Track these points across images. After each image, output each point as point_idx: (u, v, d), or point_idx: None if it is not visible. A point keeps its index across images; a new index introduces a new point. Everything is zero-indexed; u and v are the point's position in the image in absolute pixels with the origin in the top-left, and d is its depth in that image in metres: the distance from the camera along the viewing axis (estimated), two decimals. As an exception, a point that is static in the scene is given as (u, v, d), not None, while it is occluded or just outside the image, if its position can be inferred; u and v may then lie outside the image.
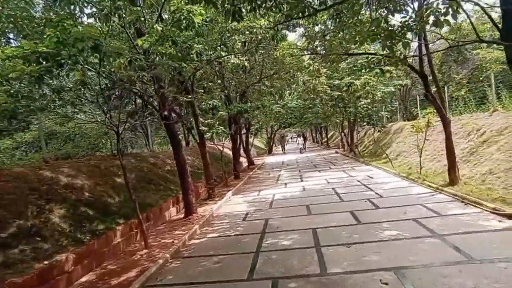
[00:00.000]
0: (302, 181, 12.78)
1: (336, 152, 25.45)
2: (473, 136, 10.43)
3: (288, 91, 21.03)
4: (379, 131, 17.92)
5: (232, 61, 9.49)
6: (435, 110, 10.24)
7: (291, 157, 26.07)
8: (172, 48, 6.35)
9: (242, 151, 21.26)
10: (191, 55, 6.70)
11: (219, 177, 14.59)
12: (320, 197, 9.25)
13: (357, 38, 5.98)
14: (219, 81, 13.19)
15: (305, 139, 34.28)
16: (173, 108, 8.71)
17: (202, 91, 11.50)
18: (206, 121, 10.49)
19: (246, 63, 10.80)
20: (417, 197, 7.94)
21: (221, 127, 10.38)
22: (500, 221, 5.51)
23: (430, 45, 26.16)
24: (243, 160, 21.78)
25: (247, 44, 9.59)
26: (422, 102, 18.45)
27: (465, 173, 8.96)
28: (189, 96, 9.20)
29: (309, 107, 19.71)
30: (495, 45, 22.06)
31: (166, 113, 8.34)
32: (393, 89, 15.34)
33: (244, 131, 22.87)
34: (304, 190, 10.70)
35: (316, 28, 11.22)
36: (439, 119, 11.27)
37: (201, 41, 7.06)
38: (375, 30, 5.28)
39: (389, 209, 7.12)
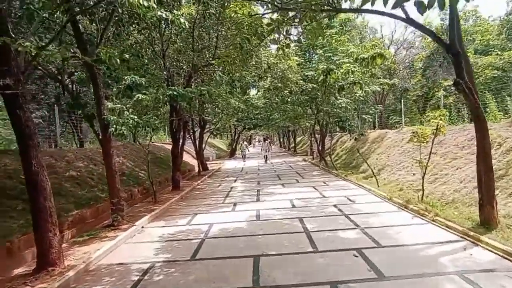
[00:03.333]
0: (258, 200, 9.28)
1: (304, 160, 22.36)
2: (496, 152, 7.49)
3: (254, 87, 17.50)
4: (355, 138, 14.98)
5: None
6: (440, 115, 7.21)
7: (253, 163, 22.59)
8: None
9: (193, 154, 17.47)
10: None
11: (147, 189, 10.77)
12: (281, 237, 5.77)
13: None
14: (152, 50, 9.46)
15: (269, 144, 25.85)
16: (25, 69, 4.81)
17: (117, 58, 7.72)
18: (112, 106, 6.69)
19: (186, 24, 7.18)
20: (439, 252, 4.69)
21: (133, 117, 6.60)
22: None
23: (409, 50, 23.68)
24: (195, 164, 17.97)
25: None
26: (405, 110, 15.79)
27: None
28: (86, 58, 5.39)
29: (276, 103, 16.37)
30: (492, 49, 20.31)
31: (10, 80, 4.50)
32: (378, 89, 12.34)
33: (197, 129, 19.10)
34: (258, 219, 7.18)
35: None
36: (449, 126, 8.28)
37: None
38: None
39: (402, 283, 3.78)
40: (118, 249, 5.70)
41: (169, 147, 21.12)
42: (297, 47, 16.43)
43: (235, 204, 8.83)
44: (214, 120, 20.79)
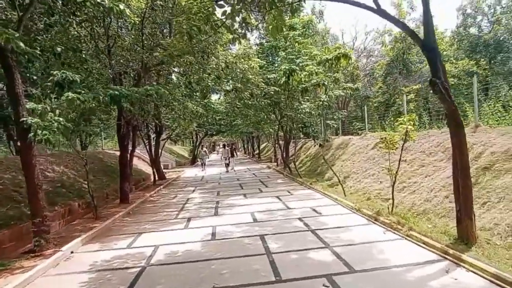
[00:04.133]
0: (216, 214, 8.28)
1: (269, 167, 21.67)
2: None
3: (215, 92, 16.44)
4: (320, 145, 14.52)
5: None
6: (410, 119, 6.76)
7: (215, 171, 21.47)
8: None
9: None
10: None
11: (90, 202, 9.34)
12: (239, 262, 4.84)
13: None
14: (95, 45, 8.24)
15: (232, 151, 22.38)
16: None
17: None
18: (32, 106, 5.40)
19: (127, 11, 6.12)
20: (420, 277, 4.03)
21: (58, 120, 5.35)
22: None
23: (369, 58, 24.05)
24: (150, 172, 16.52)
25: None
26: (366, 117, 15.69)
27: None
28: None
29: (237, 107, 15.48)
30: (447, 59, 21.01)
31: None
32: (342, 93, 11.93)
33: (153, 135, 17.69)
34: (214, 238, 6.19)
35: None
36: (420, 132, 7.92)
37: None
38: None
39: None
40: (30, 285, 4.44)
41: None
42: (259, 49, 15.83)
43: (189, 220, 7.76)
44: (172, 125, 19.50)
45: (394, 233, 5.83)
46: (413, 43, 19.71)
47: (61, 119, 5.55)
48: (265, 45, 15.65)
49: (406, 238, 5.49)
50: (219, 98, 23.54)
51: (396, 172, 7.03)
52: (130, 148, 11.44)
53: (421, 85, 15.94)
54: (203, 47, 9.07)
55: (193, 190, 12.92)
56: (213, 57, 9.18)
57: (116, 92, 6.99)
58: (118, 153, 19.23)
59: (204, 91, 14.05)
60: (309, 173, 14.89)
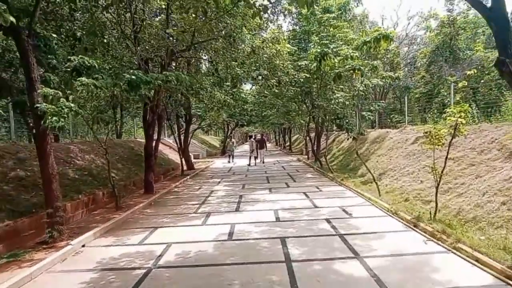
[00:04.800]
0: (237, 210, 7.79)
1: (299, 160, 20.90)
2: (528, 158, 6.05)
3: (247, 81, 15.79)
4: (354, 138, 13.52)
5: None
6: (461, 110, 5.74)
7: (244, 162, 21.00)
8: None
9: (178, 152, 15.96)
10: None
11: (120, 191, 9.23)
12: (253, 271, 4.29)
13: None
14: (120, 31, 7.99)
15: (262, 142, 20.51)
16: None
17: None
18: (45, 91, 5.15)
19: None
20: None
21: (69, 106, 5.05)
22: None
23: (410, 47, 22.11)
24: (179, 162, 16.39)
25: None
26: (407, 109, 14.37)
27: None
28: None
29: (265, 96, 14.77)
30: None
31: None
32: (380, 82, 10.86)
33: (183, 124, 17.59)
34: (230, 238, 5.69)
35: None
36: (468, 126, 6.86)
37: None
38: None
39: None
40: (30, 283, 4.20)
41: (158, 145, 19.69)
42: (290, 35, 14.95)
43: (208, 215, 7.34)
44: (203, 115, 19.26)
45: (438, 244, 4.98)
46: (462, 27, 17.78)
47: (72, 104, 5.25)
48: (297, 31, 14.76)
49: (452, 252, 4.63)
50: (251, 88, 23.00)
51: (442, 172, 6.08)
52: (155, 137, 11.23)
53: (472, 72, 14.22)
54: (228, 31, 8.49)
55: (219, 182, 12.57)
56: (239, 42, 8.57)
57: (133, 77, 6.62)
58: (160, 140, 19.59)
59: (235, 80, 13.55)
60: (341, 168, 13.99)
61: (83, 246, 5.49)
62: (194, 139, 32.85)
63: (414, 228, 5.76)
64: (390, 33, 6.68)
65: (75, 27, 7.63)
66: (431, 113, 15.22)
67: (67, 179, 8.72)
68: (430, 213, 6.07)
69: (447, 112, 5.92)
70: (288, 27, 17.44)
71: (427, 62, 18.56)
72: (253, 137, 21.36)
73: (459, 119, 5.78)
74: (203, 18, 8.30)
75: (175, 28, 9.88)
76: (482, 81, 14.04)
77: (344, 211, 7.23)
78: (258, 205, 8.17)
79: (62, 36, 7.99)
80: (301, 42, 13.14)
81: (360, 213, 7.00)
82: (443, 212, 6.41)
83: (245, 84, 18.71)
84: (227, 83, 14.61)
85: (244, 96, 17.36)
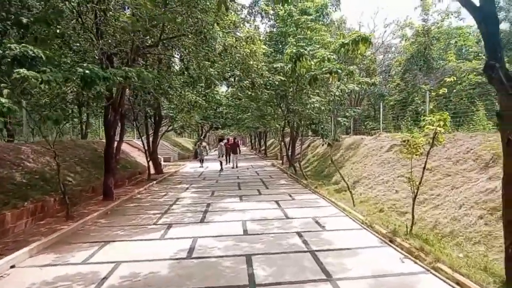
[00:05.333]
0: (202, 221, 7.13)
1: (273, 165, 20.46)
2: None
3: (219, 81, 15.12)
4: (328, 144, 13.24)
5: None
6: (440, 119, 5.44)
7: (217, 166, 20.25)
8: None
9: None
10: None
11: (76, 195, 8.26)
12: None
13: None
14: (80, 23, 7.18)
15: (233, 147, 19.21)
16: None
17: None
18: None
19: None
20: None
21: (9, 105, 4.23)
22: None
23: (385, 55, 22.33)
24: (149, 165, 15.42)
25: None
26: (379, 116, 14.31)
27: None
28: None
29: (239, 99, 14.22)
30: (474, 56, 19.35)
31: None
32: (357, 88, 10.60)
33: (151, 125, 16.66)
34: (190, 255, 5.03)
35: None
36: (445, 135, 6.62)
37: None
38: None
39: None
40: None
41: (125, 146, 18.51)
42: (267, 36, 14.51)
43: (169, 227, 6.63)
44: (175, 116, 18.37)
45: (416, 262, 4.59)
46: (436, 37, 18.09)
47: (3, 100, 4.44)
48: (274, 32, 14.34)
49: (431, 272, 4.24)
50: (226, 90, 22.35)
51: (420, 183, 5.75)
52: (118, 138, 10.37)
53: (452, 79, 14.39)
54: (199, 27, 7.87)
55: (187, 188, 11.82)
56: (211, 40, 7.96)
57: (87, 72, 5.85)
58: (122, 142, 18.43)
59: (209, 81, 12.88)
60: (315, 175, 13.65)
61: (12, 267, 4.65)
62: (166, 141, 31.68)
63: (390, 244, 5.36)
64: (369, 35, 6.34)
65: (23, 14, 6.72)
66: (405, 120, 15.26)
67: (12, 183, 7.74)
68: (407, 226, 5.72)
69: (426, 120, 5.60)
70: (266, 29, 17.03)
71: (402, 70, 18.76)
72: (225, 140, 20.25)
73: (438, 128, 5.48)
74: (163, 10, 7.65)
75: (139, 20, 9.16)
76: (454, 90, 14.21)
77: (317, 223, 6.77)
78: (226, 215, 7.55)
79: (8, 23, 7.07)
80: (277, 44, 12.73)
81: (334, 225, 6.55)
82: (419, 225, 6.09)
83: (220, 85, 18.09)
84: (201, 84, 13.94)
85: (218, 98, 16.72)
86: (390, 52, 28.78)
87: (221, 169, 17.60)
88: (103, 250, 5.34)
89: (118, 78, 6.35)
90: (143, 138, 15.16)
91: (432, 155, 8.01)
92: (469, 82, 13.60)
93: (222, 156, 17.93)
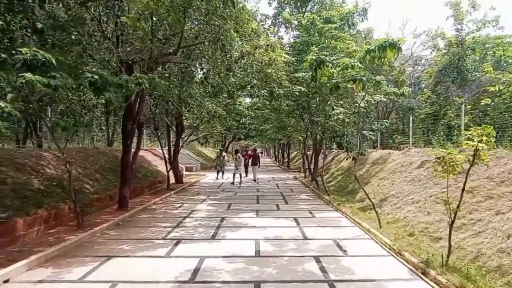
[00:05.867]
0: (214, 238, 6.66)
1: (295, 178, 19.78)
2: None
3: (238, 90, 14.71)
4: (353, 158, 12.49)
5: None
6: (483, 134, 4.72)
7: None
8: None
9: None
10: None
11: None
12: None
13: None
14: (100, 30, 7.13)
15: (254, 159, 18.23)
16: None
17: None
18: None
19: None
20: None
21: (9, 109, 4.08)
22: None
23: (415, 67, 21.27)
24: (169, 175, 15.24)
25: None
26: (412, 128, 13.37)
27: None
28: None
29: (257, 109, 13.79)
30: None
31: None
32: (384, 99, 9.90)
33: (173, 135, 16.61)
34: (192, 279, 4.53)
35: None
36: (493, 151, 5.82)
37: None
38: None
39: None
40: None
41: (148, 154, 18.58)
42: (290, 47, 14.13)
43: (178, 243, 6.22)
44: (199, 126, 18.25)
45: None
46: (471, 47, 16.96)
47: (3, 104, 4.27)
48: (298, 42, 13.93)
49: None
50: (250, 101, 22.09)
51: (458, 207, 5.00)
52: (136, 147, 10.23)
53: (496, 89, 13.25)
54: (216, 34, 7.59)
55: (204, 200, 11.45)
56: (228, 47, 7.66)
57: (96, 77, 5.65)
58: (139, 152, 18.53)
59: (230, 91, 12.62)
60: (339, 190, 12.89)
61: (6, 281, 4.37)
62: (190, 150, 31.82)
63: (423, 277, 4.63)
64: (398, 41, 5.74)
65: (38, 19, 6.71)
66: (437, 135, 14.22)
67: (30, 190, 7.67)
68: (442, 257, 4.96)
69: (465, 134, 4.89)
70: (290, 39, 16.68)
71: (433, 82, 17.69)
72: (239, 151, 18.59)
73: (480, 144, 4.75)
74: (184, 19, 7.44)
75: (161, 30, 9.06)
76: (493, 103, 13.07)
77: (338, 246, 6.12)
78: (239, 232, 7.05)
79: (28, 30, 7.11)
80: (300, 54, 12.32)
81: (357, 250, 5.87)
82: (456, 254, 5.30)
83: (243, 96, 17.80)
84: (224, 95, 13.70)
85: (241, 109, 16.42)
86: (419, 65, 27.56)
87: (233, 182, 16.46)
88: (103, 266, 4.99)
89: (130, 84, 6.13)
90: (162, 147, 15.06)
91: (470, 173, 7.17)
92: (510, 94, 12.43)
93: (237, 169, 16.68)
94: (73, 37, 6.96)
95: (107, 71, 6.10)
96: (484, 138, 4.69)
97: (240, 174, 16.60)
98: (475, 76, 16.67)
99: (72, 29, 7.19)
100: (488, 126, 4.63)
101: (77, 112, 8.99)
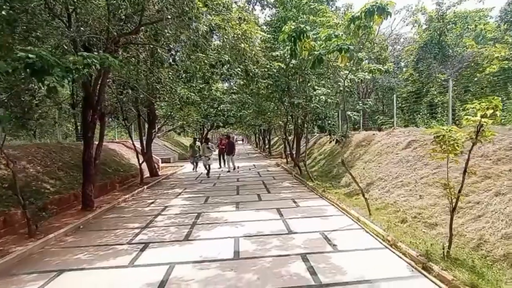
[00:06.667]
0: (187, 239, 5.88)
1: (277, 165, 19.16)
2: None
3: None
4: (337, 141, 11.91)
5: None
6: (488, 107, 4.12)
7: (217, 166, 18.94)
8: None
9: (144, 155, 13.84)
10: None
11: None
12: None
13: None
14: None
15: (229, 147, 16.42)
16: None
17: None
18: None
19: None
20: None
21: None
22: None
23: (398, 46, 20.79)
24: (143, 167, 14.18)
25: None
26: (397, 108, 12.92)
27: None
28: None
29: (234, 93, 12.90)
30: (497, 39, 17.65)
31: None
32: (368, 76, 9.25)
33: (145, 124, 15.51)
34: (158, 294, 3.82)
35: None
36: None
37: None
38: None
39: None
40: None
41: (119, 147, 17.38)
42: (266, 23, 13.20)
43: (144, 247, 5.40)
44: (171, 114, 17.12)
45: (466, 306, 3.28)
46: (452, 21, 16.57)
47: None
48: (273, 19, 13.00)
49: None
50: (228, 86, 21.02)
51: (460, 191, 4.42)
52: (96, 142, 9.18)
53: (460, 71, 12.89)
54: (180, 6, 6.60)
55: (179, 194, 10.60)
56: (194, 20, 6.70)
57: (33, 56, 4.62)
58: (110, 145, 17.27)
59: (206, 74, 11.58)
60: (323, 175, 12.32)
61: None
62: (167, 141, 30.56)
63: (424, 273, 4.05)
64: (387, 4, 5.01)
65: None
66: (421, 113, 13.86)
67: None
68: (444, 247, 4.39)
69: (468, 109, 4.26)
70: (266, 19, 15.70)
71: (414, 60, 17.25)
72: (206, 140, 16.34)
73: (483, 120, 4.15)
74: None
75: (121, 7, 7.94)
76: (475, 79, 12.74)
77: (326, 239, 5.48)
78: (216, 230, 6.31)
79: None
80: (276, 32, 11.44)
81: (347, 243, 5.25)
82: (456, 242, 4.77)
83: (220, 81, 16.75)
84: (199, 81, 12.68)
85: (217, 94, 15.43)
86: (398, 44, 27.18)
87: (208, 175, 14.90)
88: (51, 284, 4.13)
89: (78, 66, 5.14)
90: (132, 138, 13.98)
91: (464, 152, 6.68)
92: (491, 69, 12.12)
93: (209, 159, 15.11)
94: (3, 12, 5.79)
95: (47, 52, 5.04)
96: (490, 111, 4.08)
97: (209, 165, 15.13)
98: (456, 51, 16.34)
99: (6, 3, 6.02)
100: (496, 97, 4.00)
101: (25, 103, 7.87)
